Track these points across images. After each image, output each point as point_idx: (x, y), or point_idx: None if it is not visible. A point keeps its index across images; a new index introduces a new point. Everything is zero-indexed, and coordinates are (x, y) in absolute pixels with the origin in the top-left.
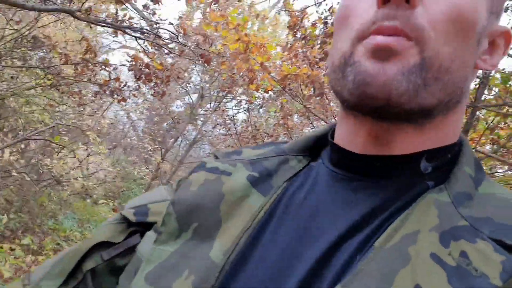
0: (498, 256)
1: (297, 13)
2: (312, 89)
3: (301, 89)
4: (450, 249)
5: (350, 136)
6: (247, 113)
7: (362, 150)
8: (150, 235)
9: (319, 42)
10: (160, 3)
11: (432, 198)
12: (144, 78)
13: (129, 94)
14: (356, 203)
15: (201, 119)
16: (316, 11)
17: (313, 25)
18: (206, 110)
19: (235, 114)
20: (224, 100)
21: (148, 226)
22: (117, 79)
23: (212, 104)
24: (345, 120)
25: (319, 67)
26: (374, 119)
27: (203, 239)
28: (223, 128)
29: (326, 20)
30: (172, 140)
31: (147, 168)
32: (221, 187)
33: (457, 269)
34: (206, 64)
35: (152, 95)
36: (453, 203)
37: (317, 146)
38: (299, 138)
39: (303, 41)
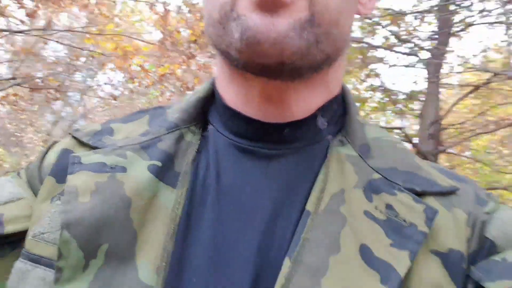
0: (419, 206)
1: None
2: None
3: (176, 80)
4: (374, 203)
5: (243, 98)
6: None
7: (258, 114)
8: (22, 268)
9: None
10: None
11: (340, 153)
12: None
13: None
14: (273, 174)
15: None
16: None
17: (178, 31)
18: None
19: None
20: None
21: (4, 239)
22: None
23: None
24: (235, 81)
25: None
26: (265, 78)
27: (121, 261)
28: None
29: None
30: (52, 122)
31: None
32: (123, 190)
33: (389, 222)
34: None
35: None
36: (360, 156)
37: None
38: (182, 103)
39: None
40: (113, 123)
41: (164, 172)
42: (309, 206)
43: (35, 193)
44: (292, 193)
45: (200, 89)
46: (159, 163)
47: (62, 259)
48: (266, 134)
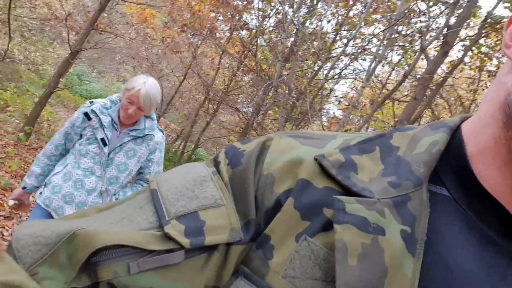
0: None
1: None
2: None
3: None
4: None
5: None
6: None
7: None
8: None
9: None
10: None
11: None
12: None
13: None
14: (511, 279)
15: None
16: None
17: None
18: None
19: None
20: None
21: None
22: None
23: None
24: None
25: None
26: None
27: None
28: None
29: None
30: None
31: None
32: (383, 258)
33: None
34: None
35: None
36: None
37: None
38: (421, 152)
39: None
40: (352, 154)
41: (409, 238)
42: None
43: (237, 196)
44: None
45: (440, 139)
46: (408, 229)
47: None
48: None
